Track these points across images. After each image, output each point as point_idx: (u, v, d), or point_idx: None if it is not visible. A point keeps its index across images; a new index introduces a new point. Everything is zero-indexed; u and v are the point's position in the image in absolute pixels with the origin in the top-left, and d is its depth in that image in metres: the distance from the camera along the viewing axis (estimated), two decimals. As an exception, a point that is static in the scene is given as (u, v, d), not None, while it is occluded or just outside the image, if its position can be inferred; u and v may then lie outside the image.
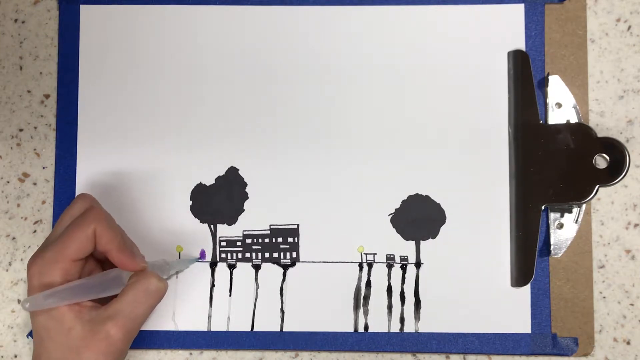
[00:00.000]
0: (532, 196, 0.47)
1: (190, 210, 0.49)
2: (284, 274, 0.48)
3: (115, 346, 0.40)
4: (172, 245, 0.48)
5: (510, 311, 0.47)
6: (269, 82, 0.49)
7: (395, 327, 0.48)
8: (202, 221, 0.49)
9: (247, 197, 0.49)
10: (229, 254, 0.48)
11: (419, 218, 0.48)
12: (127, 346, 0.41)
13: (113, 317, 0.40)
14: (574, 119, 0.48)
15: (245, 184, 0.49)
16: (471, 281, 0.48)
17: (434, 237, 0.48)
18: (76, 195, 0.48)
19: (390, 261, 0.48)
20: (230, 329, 0.48)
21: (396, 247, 0.48)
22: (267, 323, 0.48)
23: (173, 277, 0.48)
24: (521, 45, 0.49)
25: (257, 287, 0.48)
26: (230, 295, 0.48)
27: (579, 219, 0.47)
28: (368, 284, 0.48)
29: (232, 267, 0.48)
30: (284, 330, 0.48)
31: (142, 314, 0.41)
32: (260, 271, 0.48)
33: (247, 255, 0.48)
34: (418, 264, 0.48)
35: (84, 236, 0.41)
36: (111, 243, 0.42)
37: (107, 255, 0.42)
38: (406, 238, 0.48)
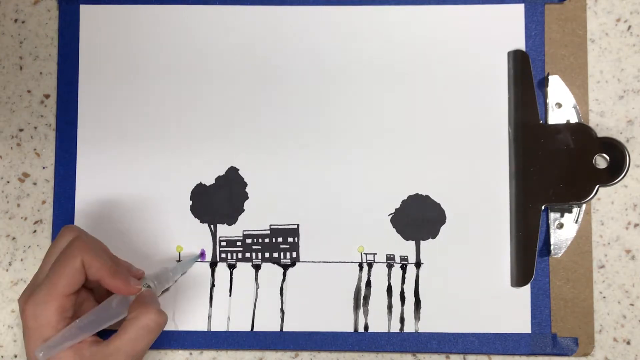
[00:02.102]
0: (532, 196, 0.47)
1: (190, 210, 0.49)
2: (284, 274, 0.48)
3: None
4: (172, 245, 0.48)
5: (510, 311, 0.47)
6: (269, 82, 0.49)
7: (395, 327, 0.48)
8: (202, 221, 0.49)
9: (247, 197, 0.49)
10: (229, 254, 0.48)
11: (419, 218, 0.48)
12: None
13: (114, 355, 0.39)
14: (574, 119, 0.48)
15: (245, 184, 0.49)
16: (471, 281, 0.48)
17: (434, 237, 0.48)
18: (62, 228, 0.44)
19: (390, 261, 0.48)
20: (230, 329, 0.48)
21: (396, 247, 0.48)
22: (267, 323, 0.48)
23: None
24: (521, 45, 0.49)
25: (257, 287, 0.48)
26: (230, 295, 0.48)
27: (579, 219, 0.47)
28: (368, 284, 0.48)
29: (232, 267, 0.48)
30: (284, 330, 0.48)
31: (143, 349, 0.41)
32: (260, 271, 0.48)
33: (247, 255, 0.48)
34: (418, 264, 0.48)
35: (72, 270, 0.40)
36: (102, 270, 0.41)
37: (101, 283, 0.41)
38: (406, 238, 0.48)
